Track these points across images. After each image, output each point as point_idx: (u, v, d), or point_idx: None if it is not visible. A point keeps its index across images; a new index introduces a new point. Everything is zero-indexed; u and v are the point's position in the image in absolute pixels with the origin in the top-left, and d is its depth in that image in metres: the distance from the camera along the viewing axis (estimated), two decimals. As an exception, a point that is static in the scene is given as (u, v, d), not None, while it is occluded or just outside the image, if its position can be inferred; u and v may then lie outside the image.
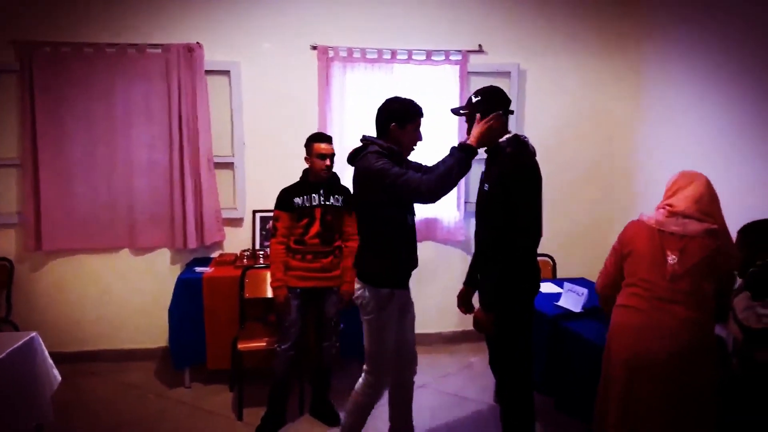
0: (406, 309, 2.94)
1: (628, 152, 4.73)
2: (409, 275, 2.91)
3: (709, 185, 2.44)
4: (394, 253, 2.79)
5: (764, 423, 2.20)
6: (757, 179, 3.41)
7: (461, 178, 2.66)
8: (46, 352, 2.99)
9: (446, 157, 2.66)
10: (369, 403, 2.90)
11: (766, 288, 2.18)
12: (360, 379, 2.90)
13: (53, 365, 3.03)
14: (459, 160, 2.59)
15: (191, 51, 4.19)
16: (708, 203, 2.40)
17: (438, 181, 2.56)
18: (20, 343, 2.80)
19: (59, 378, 3.06)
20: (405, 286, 2.90)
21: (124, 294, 4.40)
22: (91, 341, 4.39)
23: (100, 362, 4.34)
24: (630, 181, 4.70)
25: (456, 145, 2.68)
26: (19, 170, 4.18)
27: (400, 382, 3.02)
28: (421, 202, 2.77)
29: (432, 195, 2.61)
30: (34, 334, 2.93)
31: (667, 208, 2.44)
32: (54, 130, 4.11)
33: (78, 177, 4.19)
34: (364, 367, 2.88)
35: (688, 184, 2.45)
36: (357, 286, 2.82)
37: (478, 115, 2.66)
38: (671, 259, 2.36)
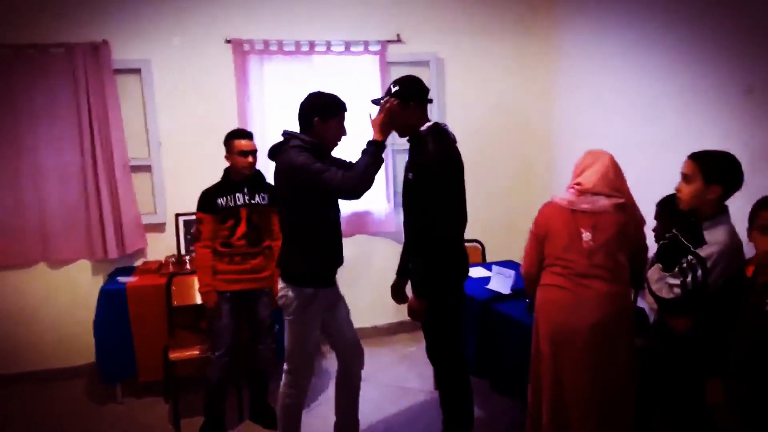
0: (335, 306, 2.91)
1: (547, 134, 4.88)
2: (334, 273, 2.89)
3: (613, 161, 2.56)
4: (316, 251, 2.75)
5: (680, 390, 2.34)
6: (671, 136, 3.55)
7: (377, 172, 2.66)
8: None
9: (362, 152, 2.67)
10: (294, 404, 2.88)
11: (674, 259, 2.30)
12: (282, 380, 2.87)
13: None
14: (371, 155, 2.61)
15: (97, 49, 3.98)
16: (614, 179, 2.52)
17: (358, 177, 2.57)
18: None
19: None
20: (330, 284, 2.87)
21: (44, 310, 4.15)
22: (12, 364, 4.12)
23: (22, 384, 4.09)
24: (550, 163, 4.86)
25: (370, 140, 2.69)
26: None
27: (348, 376, 3.01)
28: (342, 198, 2.75)
29: (353, 192, 2.61)
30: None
31: (576, 187, 2.54)
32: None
33: (-21, 187, 3.90)
34: (284, 366, 2.85)
35: (593, 162, 2.55)
36: (280, 285, 2.78)
37: (370, 114, 2.71)
38: (585, 236, 2.47)
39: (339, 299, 2.96)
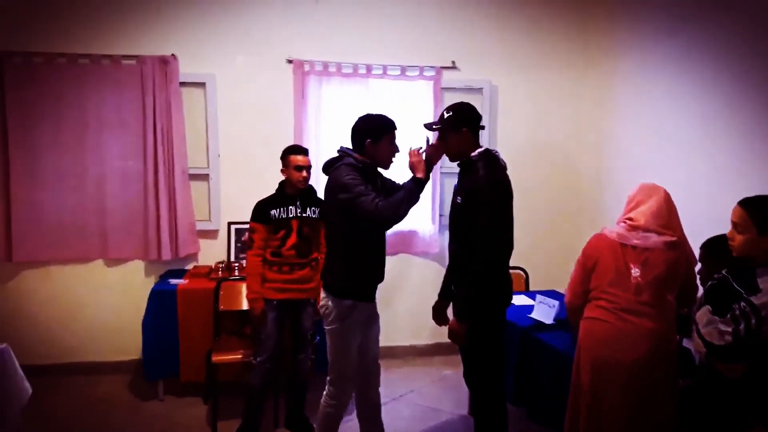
0: (371, 321, 2.96)
1: (599, 165, 4.85)
2: (375, 288, 2.94)
3: (667, 198, 2.55)
4: (358, 266, 2.82)
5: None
6: (725, 173, 3.49)
7: (410, 208, 2.72)
8: (17, 364, 2.94)
9: (402, 186, 2.78)
10: (334, 414, 2.92)
11: (724, 302, 2.25)
12: (325, 390, 2.92)
13: (24, 377, 2.99)
14: (409, 191, 2.69)
15: (166, 63, 4.20)
16: (667, 216, 2.51)
17: (390, 209, 2.64)
18: (-11, 355, 2.76)
19: (30, 391, 3.00)
20: (370, 299, 2.92)
21: (97, 306, 4.35)
22: (62, 354, 4.32)
23: (71, 375, 4.27)
24: (600, 195, 4.83)
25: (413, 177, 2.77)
26: (-12, 179, 4.12)
27: (365, 395, 3.04)
28: (373, 226, 2.80)
29: (382, 223, 2.71)
30: (4, 345, 2.88)
31: (628, 222, 2.53)
32: (24, 138, 4.07)
33: (50, 186, 4.14)
34: (328, 377, 2.91)
35: (647, 198, 2.54)
36: (322, 295, 2.87)
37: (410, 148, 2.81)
38: (634, 271, 2.46)
39: (375, 316, 3.01)
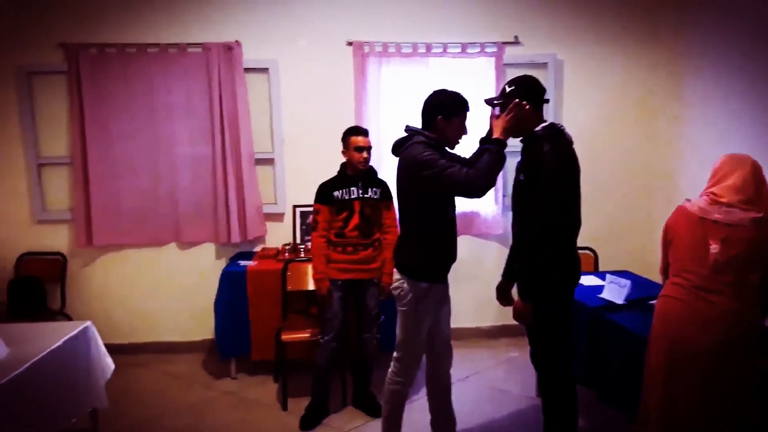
0: (443, 302, 2.95)
1: (670, 142, 4.63)
2: (448, 269, 2.92)
3: (755, 170, 2.38)
4: (434, 246, 2.81)
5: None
6: None
7: (499, 171, 2.67)
8: (100, 341, 3.13)
9: (478, 151, 2.72)
10: (400, 391, 2.93)
11: None
12: (390, 368, 2.94)
13: (107, 354, 3.17)
14: (494, 153, 2.61)
15: (230, 49, 4.29)
16: (754, 191, 2.34)
17: (482, 175, 2.58)
18: (76, 331, 2.94)
19: (113, 366, 3.19)
20: (443, 281, 2.92)
21: (171, 287, 4.55)
22: (139, 333, 4.56)
23: (147, 354, 4.50)
24: (672, 172, 4.61)
25: (484, 137, 2.70)
26: (70, 168, 4.36)
27: (437, 374, 3.04)
28: (464, 196, 2.77)
29: (477, 190, 2.63)
30: (88, 323, 3.07)
31: (711, 195, 2.40)
32: (101, 128, 4.27)
33: (125, 174, 4.34)
34: (394, 354, 2.92)
35: (733, 171, 2.39)
36: (396, 276, 2.86)
37: (495, 110, 2.70)
38: (713, 248, 2.33)
39: (447, 297, 3.00)
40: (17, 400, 2.42)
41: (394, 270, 2.88)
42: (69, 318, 4.25)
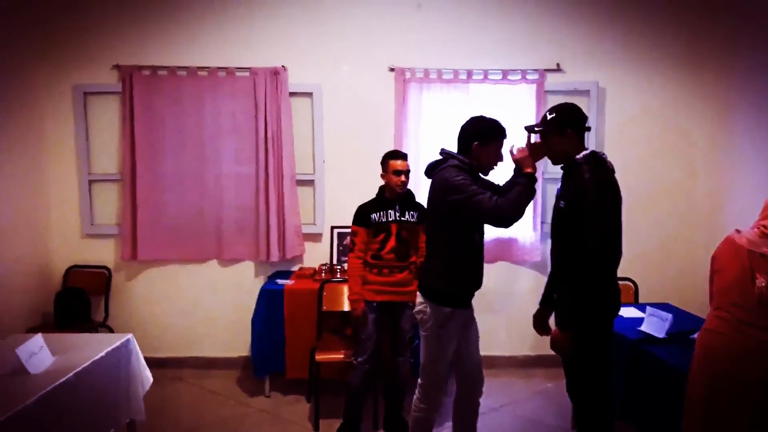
0: (468, 326, 2.92)
1: (715, 173, 4.53)
2: (472, 295, 2.90)
3: None
4: (458, 271, 2.80)
5: None
6: None
7: (528, 203, 2.68)
8: (141, 354, 3.20)
9: (511, 181, 2.73)
10: (425, 418, 2.90)
11: None
12: (415, 394, 2.92)
13: (146, 367, 3.24)
14: (525, 186, 2.63)
15: (277, 74, 4.41)
16: None
17: (511, 205, 2.60)
18: (117, 343, 3.02)
19: (151, 379, 3.26)
20: (467, 306, 2.89)
21: (211, 304, 4.64)
22: (178, 348, 4.64)
23: (185, 368, 4.58)
24: (718, 205, 4.49)
25: (516, 169, 2.72)
26: (118, 184, 4.53)
27: (467, 399, 3.00)
28: (491, 224, 2.77)
29: (504, 220, 2.64)
30: (130, 336, 3.15)
31: (761, 228, 2.32)
32: (150, 147, 4.43)
33: (171, 191, 4.48)
34: (419, 380, 2.90)
35: None
36: (419, 299, 2.86)
37: (512, 147, 2.75)
38: (760, 282, 2.25)
39: (472, 321, 2.97)
40: (60, 407, 2.49)
41: (417, 293, 2.88)
42: (111, 330, 4.38)
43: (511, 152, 2.75)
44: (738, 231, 2.41)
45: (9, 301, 4.10)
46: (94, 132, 4.55)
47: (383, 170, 3.48)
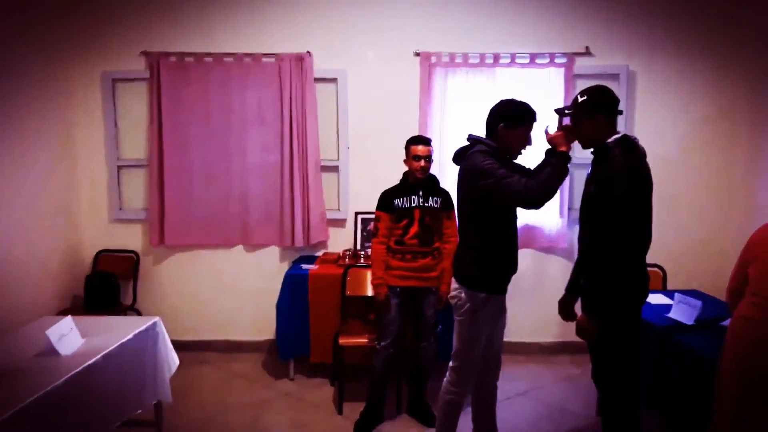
0: (499, 314, 2.92)
1: (747, 160, 4.39)
2: (508, 281, 2.89)
3: None
4: (493, 256, 2.78)
5: None
6: None
7: (560, 184, 2.64)
8: (168, 337, 3.25)
9: (543, 162, 2.68)
10: (455, 401, 2.90)
11: None
12: (446, 377, 2.91)
13: (173, 350, 3.29)
14: (556, 167, 2.58)
15: (302, 60, 4.41)
16: None
17: (541, 187, 2.56)
18: (145, 326, 3.08)
19: (177, 362, 3.31)
20: (502, 292, 2.88)
21: (237, 288, 4.69)
22: (204, 331, 4.71)
23: (212, 351, 4.66)
24: (751, 191, 4.37)
25: (550, 149, 2.66)
26: (146, 170, 4.59)
27: (483, 385, 3.01)
28: (522, 207, 2.75)
29: (534, 201, 2.62)
30: (157, 319, 3.20)
31: None
32: (177, 133, 4.46)
33: (197, 177, 4.52)
34: (450, 363, 2.90)
35: None
36: (454, 285, 2.85)
37: (547, 128, 2.70)
38: None
39: (504, 309, 2.96)
40: (88, 388, 2.55)
41: (453, 279, 2.86)
42: (139, 313, 4.47)
43: (546, 132, 2.70)
44: None
45: (41, 284, 4.20)
46: (123, 118, 4.61)
47: (406, 155, 3.46)
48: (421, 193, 3.43)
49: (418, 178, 3.40)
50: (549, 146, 2.72)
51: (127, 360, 2.87)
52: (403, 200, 3.41)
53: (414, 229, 3.39)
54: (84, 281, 4.43)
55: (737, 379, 2.28)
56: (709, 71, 4.47)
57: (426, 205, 3.41)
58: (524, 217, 4.29)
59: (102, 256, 4.62)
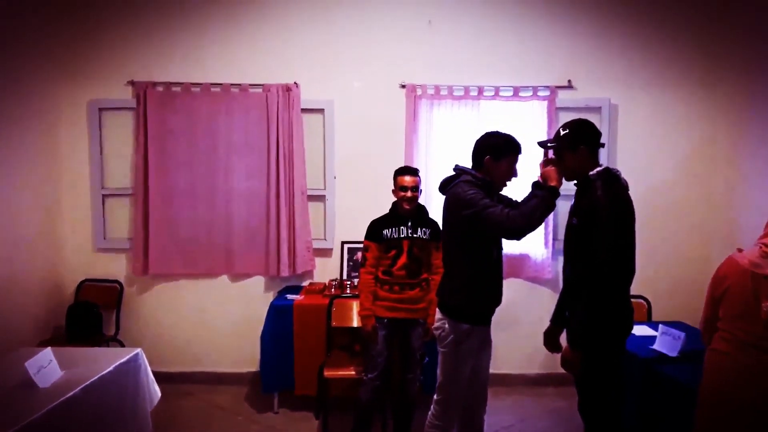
0: (484, 345, 2.91)
1: (730, 191, 4.47)
2: (492, 312, 2.89)
3: None
4: (476, 287, 2.79)
5: None
6: None
7: (545, 217, 2.66)
8: (149, 369, 3.20)
9: (530, 195, 2.70)
10: None
11: None
12: (430, 410, 2.89)
13: (155, 381, 3.24)
14: (543, 199, 2.60)
15: (289, 90, 4.45)
16: None
17: (523, 218, 2.58)
18: (126, 358, 3.03)
19: (159, 394, 3.25)
20: (486, 323, 2.88)
21: (221, 319, 4.64)
22: (187, 362, 4.64)
23: (194, 383, 4.57)
24: (731, 222, 4.43)
25: (537, 181, 2.70)
26: (131, 199, 4.56)
27: (471, 419, 2.98)
28: (504, 237, 2.76)
29: (516, 232, 2.63)
30: (138, 350, 3.15)
31: (763, 247, 2.26)
32: (163, 162, 4.46)
33: (183, 207, 4.50)
34: (434, 396, 2.87)
35: None
36: (438, 316, 2.84)
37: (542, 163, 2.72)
38: (766, 306, 2.19)
39: (489, 341, 2.95)
40: (67, 422, 2.49)
41: (437, 310, 2.86)
42: (122, 344, 4.40)
43: (541, 165, 2.73)
44: (740, 250, 2.37)
45: (22, 313, 4.13)
46: (108, 147, 4.60)
47: (394, 186, 3.48)
48: (410, 223, 3.44)
49: (405, 208, 3.42)
50: (536, 178, 2.76)
51: (107, 392, 2.81)
52: (392, 230, 3.42)
53: (402, 260, 3.40)
54: (66, 311, 4.35)
55: (715, 409, 2.29)
56: (690, 103, 4.58)
57: (415, 235, 3.42)
58: (510, 247, 4.30)
59: (85, 285, 4.56)
